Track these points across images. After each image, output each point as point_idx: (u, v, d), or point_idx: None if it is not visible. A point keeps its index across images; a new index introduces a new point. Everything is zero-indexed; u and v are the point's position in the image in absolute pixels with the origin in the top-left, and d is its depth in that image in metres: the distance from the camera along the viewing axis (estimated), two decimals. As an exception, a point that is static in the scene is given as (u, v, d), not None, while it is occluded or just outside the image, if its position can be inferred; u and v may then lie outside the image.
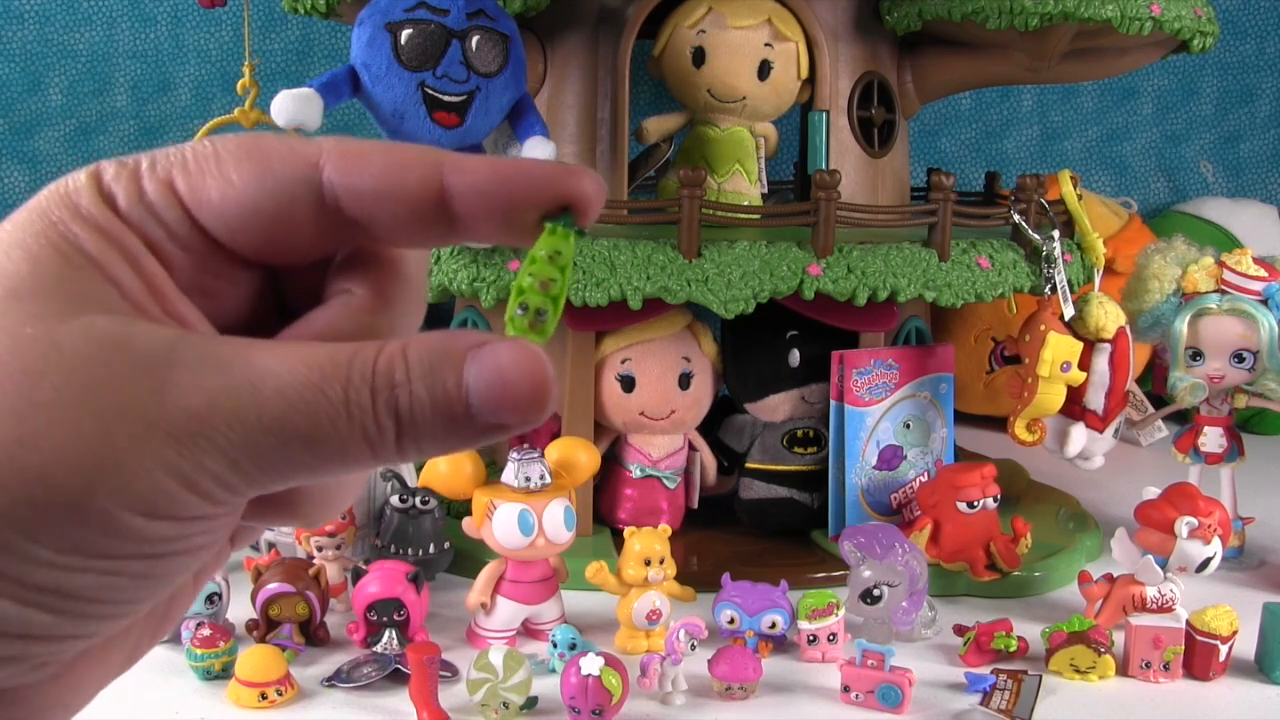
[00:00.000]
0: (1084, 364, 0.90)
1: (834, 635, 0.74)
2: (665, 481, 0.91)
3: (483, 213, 0.22)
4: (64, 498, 0.19)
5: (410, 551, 0.81)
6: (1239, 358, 0.94)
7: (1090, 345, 0.90)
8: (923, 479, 0.92)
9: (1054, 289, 0.89)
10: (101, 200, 0.21)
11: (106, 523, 0.19)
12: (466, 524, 0.76)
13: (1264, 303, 0.93)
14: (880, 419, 0.90)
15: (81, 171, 0.21)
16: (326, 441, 0.20)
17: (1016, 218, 0.90)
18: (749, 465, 0.93)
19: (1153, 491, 0.81)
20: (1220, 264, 0.95)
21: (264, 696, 0.67)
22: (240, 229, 0.22)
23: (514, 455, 0.76)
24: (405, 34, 0.74)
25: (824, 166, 0.92)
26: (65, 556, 0.19)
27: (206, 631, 0.70)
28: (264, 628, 0.75)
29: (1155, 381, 1.02)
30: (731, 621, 0.75)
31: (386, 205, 0.22)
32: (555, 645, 0.72)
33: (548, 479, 0.76)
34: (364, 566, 0.76)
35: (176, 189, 0.21)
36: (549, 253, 0.21)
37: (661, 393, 0.88)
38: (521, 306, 0.21)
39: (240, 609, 0.77)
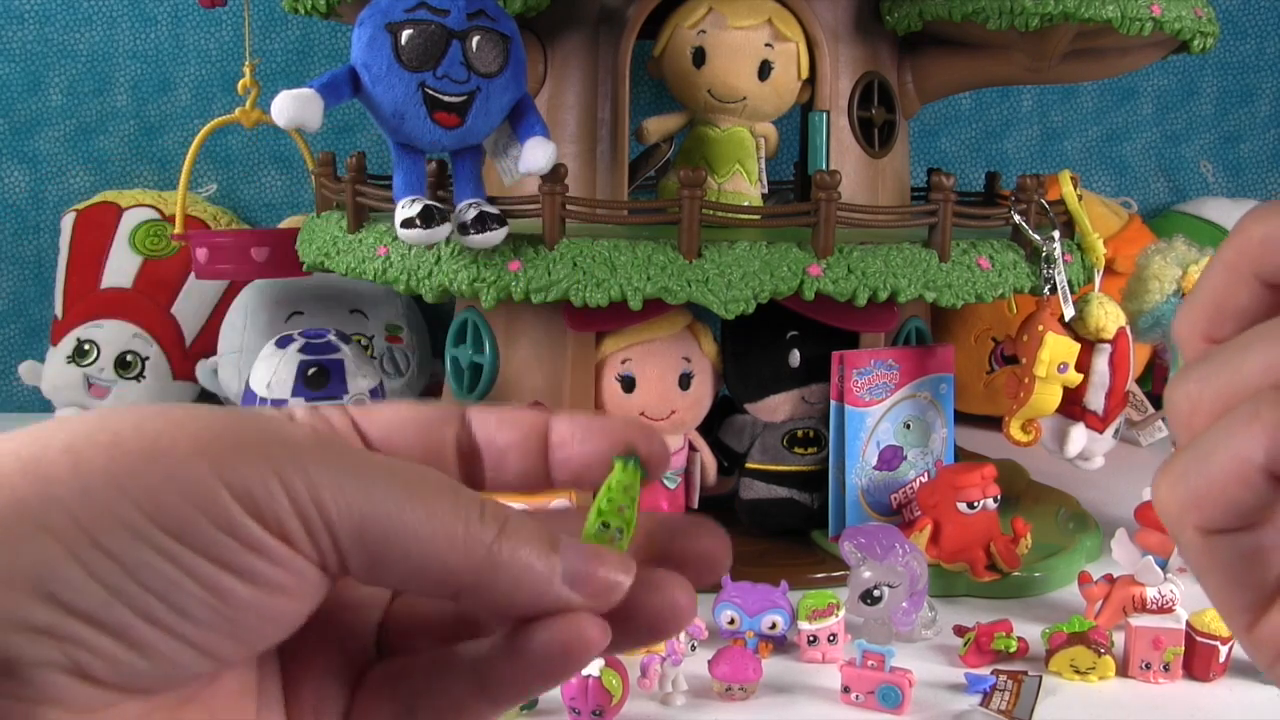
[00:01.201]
0: (1083, 365, 0.90)
1: (834, 636, 0.74)
2: (665, 482, 0.91)
3: (578, 454, 0.26)
4: (173, 458, 0.21)
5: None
6: (1239, 358, 0.94)
7: (1090, 346, 0.90)
8: (923, 479, 0.92)
9: (1054, 289, 0.89)
10: (284, 413, 0.25)
11: (206, 500, 0.21)
12: (467, 524, 0.76)
13: (1264, 303, 0.93)
14: (880, 419, 0.90)
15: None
16: (426, 508, 0.23)
17: (1017, 218, 0.90)
18: (749, 465, 0.93)
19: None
20: (1220, 264, 0.95)
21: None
22: (395, 436, 0.26)
23: (514, 456, 0.76)
24: (405, 34, 0.74)
25: (824, 167, 0.92)
26: (152, 528, 0.20)
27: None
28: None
29: (1155, 382, 1.02)
30: (731, 622, 0.75)
31: (507, 435, 0.27)
32: (555, 646, 0.72)
33: (548, 479, 0.76)
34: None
35: (348, 409, 0.26)
36: (624, 485, 0.26)
37: (661, 393, 0.88)
38: (604, 524, 0.25)
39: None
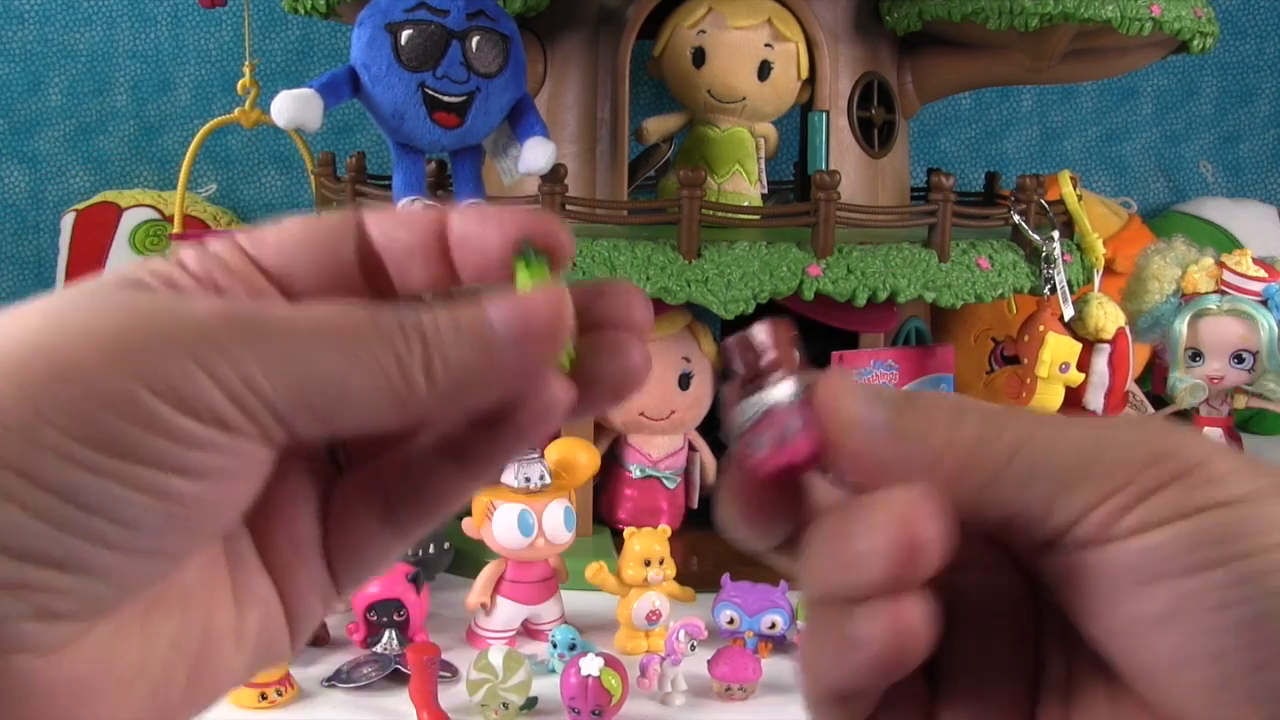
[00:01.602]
0: (1083, 365, 0.90)
1: (834, 636, 0.74)
2: (665, 482, 0.91)
3: (478, 250, 0.24)
4: (85, 372, 0.20)
5: (410, 551, 0.81)
6: (1239, 358, 0.94)
7: (1090, 346, 0.91)
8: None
9: (1054, 289, 0.89)
10: (174, 263, 0.23)
11: (129, 406, 0.20)
12: (466, 524, 0.76)
13: (1264, 303, 0.93)
14: (880, 419, 0.90)
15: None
16: (355, 358, 0.21)
17: (1016, 218, 0.90)
18: (749, 465, 0.93)
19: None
20: (1220, 265, 0.95)
21: (264, 696, 0.67)
22: (293, 262, 0.24)
23: (514, 456, 0.76)
24: (405, 34, 0.74)
25: (824, 167, 0.92)
26: (82, 448, 0.19)
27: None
28: (264, 628, 0.75)
29: (1155, 382, 1.02)
30: (731, 622, 0.75)
31: (402, 239, 0.25)
32: (555, 646, 0.72)
33: (547, 479, 0.76)
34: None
35: (238, 241, 0.24)
36: (535, 285, 0.24)
37: (661, 393, 0.88)
38: None
39: (240, 609, 0.77)
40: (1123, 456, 0.22)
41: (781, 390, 0.24)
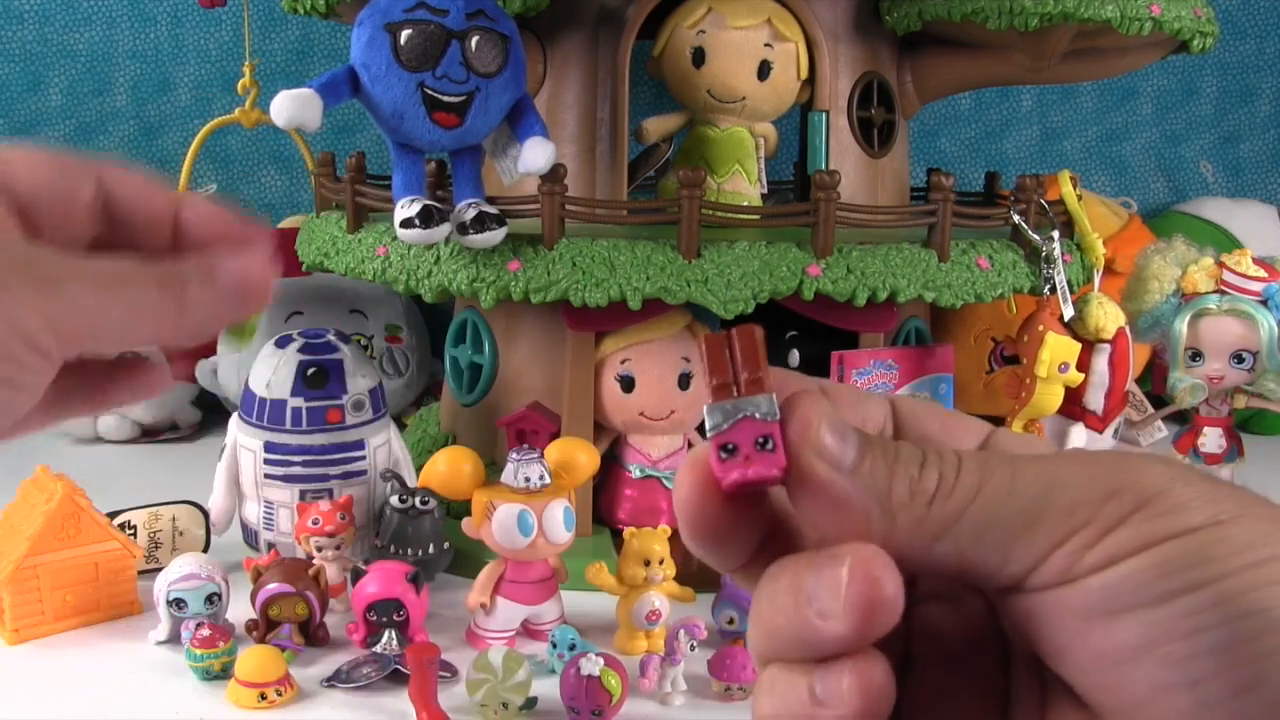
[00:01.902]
0: (1083, 365, 0.90)
1: (833, 636, 0.74)
2: (665, 482, 0.91)
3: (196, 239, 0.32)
4: None
5: (410, 552, 0.81)
6: (1238, 358, 0.94)
7: (1090, 346, 0.90)
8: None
9: (1053, 289, 0.89)
10: None
11: None
12: (466, 524, 0.76)
13: (1264, 303, 0.93)
14: (880, 419, 0.90)
15: None
16: (134, 304, 0.28)
17: (1016, 218, 0.90)
18: (749, 465, 0.93)
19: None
20: (1220, 264, 0.95)
21: (264, 697, 0.67)
22: (36, 198, 0.30)
23: (513, 456, 0.76)
24: (405, 34, 0.74)
25: (824, 167, 0.92)
26: None
27: (206, 632, 0.70)
28: (264, 628, 0.75)
29: (1155, 382, 1.02)
30: (731, 622, 0.75)
31: (143, 211, 0.32)
32: (555, 646, 0.72)
33: (547, 479, 0.76)
34: (363, 567, 0.76)
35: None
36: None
37: (661, 393, 0.88)
38: None
39: (240, 609, 0.77)
40: (1078, 496, 0.22)
41: (758, 403, 0.24)
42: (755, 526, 0.25)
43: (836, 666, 0.22)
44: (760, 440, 0.23)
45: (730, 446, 0.23)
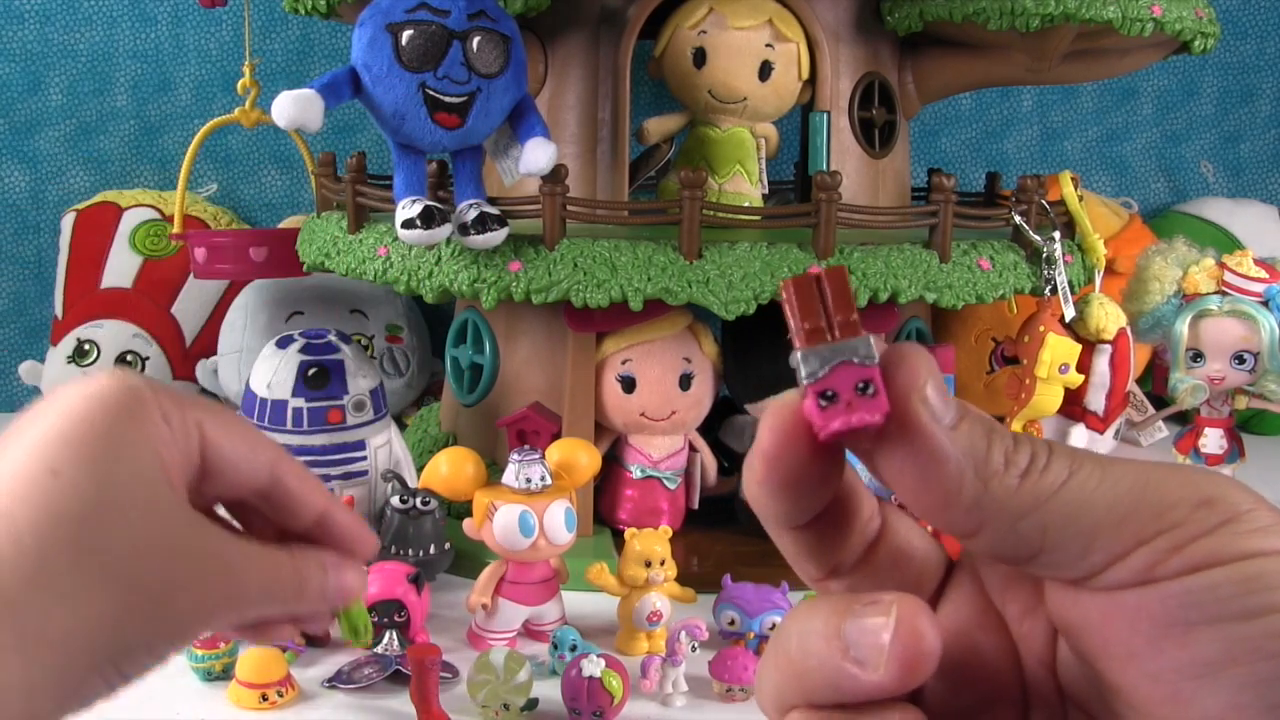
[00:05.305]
0: (1083, 365, 0.90)
1: (834, 636, 0.74)
2: (666, 482, 0.91)
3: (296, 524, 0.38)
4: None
5: (411, 552, 0.81)
6: (1239, 359, 0.94)
7: (1091, 346, 0.90)
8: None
9: (1054, 290, 0.89)
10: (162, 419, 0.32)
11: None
12: (467, 525, 0.76)
13: (1265, 304, 0.93)
14: (881, 420, 0.90)
15: (140, 385, 0.32)
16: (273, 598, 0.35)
17: (1017, 219, 0.90)
18: (749, 466, 0.93)
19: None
20: (1221, 265, 0.95)
21: (265, 698, 0.67)
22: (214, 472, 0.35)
23: (515, 457, 0.76)
24: (406, 35, 0.74)
25: (825, 167, 0.92)
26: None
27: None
28: (264, 629, 0.75)
29: (1156, 382, 1.02)
30: (732, 623, 0.75)
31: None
32: (556, 646, 0.72)
33: (548, 480, 0.76)
34: (365, 567, 0.75)
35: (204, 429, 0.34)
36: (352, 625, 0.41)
37: (662, 393, 0.88)
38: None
39: (241, 610, 0.77)
40: (1170, 498, 0.21)
41: (855, 347, 0.22)
42: (833, 481, 0.24)
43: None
44: (861, 385, 0.22)
45: (830, 393, 0.22)
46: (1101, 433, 0.92)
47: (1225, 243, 1.29)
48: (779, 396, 0.24)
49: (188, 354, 1.25)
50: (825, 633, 0.22)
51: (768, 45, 0.89)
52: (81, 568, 0.28)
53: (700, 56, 0.89)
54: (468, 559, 0.85)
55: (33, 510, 0.28)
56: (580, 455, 0.79)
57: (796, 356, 0.22)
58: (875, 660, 0.21)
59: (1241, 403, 0.97)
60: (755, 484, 0.24)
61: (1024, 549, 0.22)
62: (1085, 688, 0.24)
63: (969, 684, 0.25)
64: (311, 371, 0.85)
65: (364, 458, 0.86)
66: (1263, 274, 0.94)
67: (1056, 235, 0.89)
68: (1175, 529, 0.21)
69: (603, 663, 0.64)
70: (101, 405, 0.30)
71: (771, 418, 0.23)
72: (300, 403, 0.84)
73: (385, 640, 0.72)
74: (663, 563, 0.75)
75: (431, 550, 0.81)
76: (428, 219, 0.77)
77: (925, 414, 0.22)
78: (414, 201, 0.78)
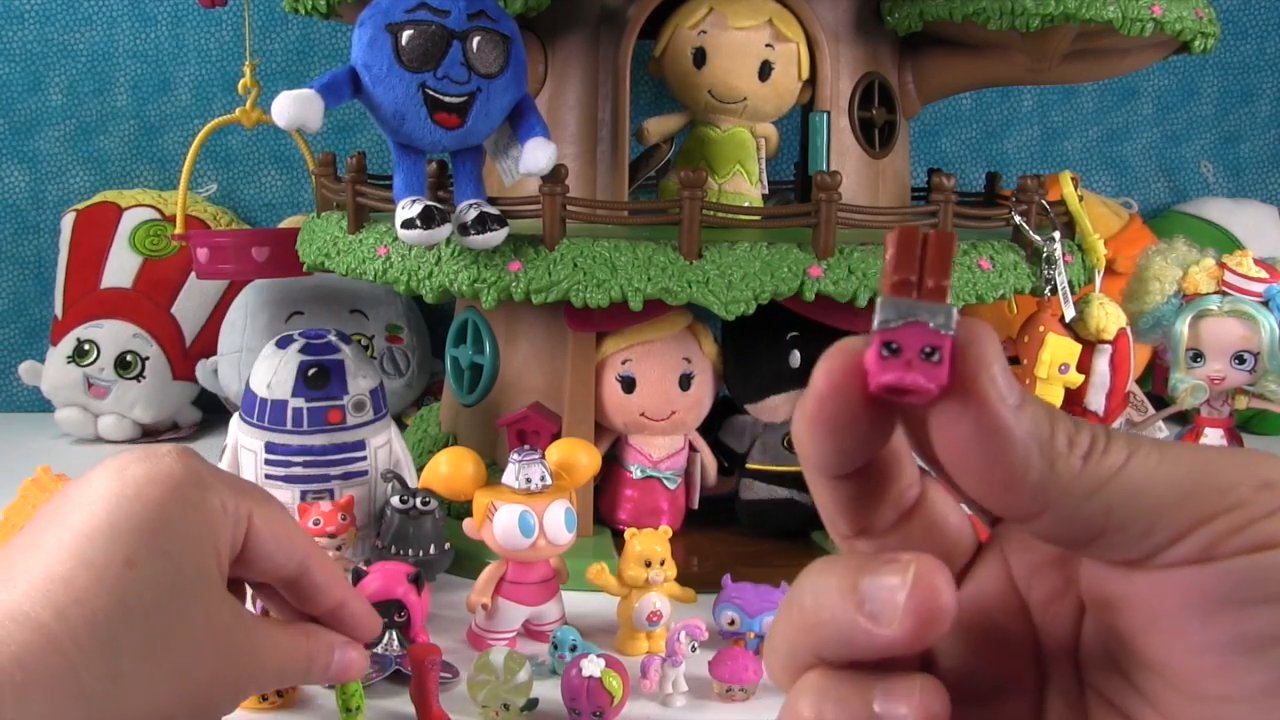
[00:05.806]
0: (1084, 365, 0.90)
1: (834, 637, 0.74)
2: (666, 482, 0.91)
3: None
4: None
5: (411, 552, 0.81)
6: (1240, 359, 0.94)
7: (1091, 346, 0.90)
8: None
9: (1055, 290, 0.89)
10: (220, 507, 0.37)
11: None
12: (467, 525, 0.76)
13: (1265, 304, 0.93)
14: (881, 420, 0.90)
15: (204, 471, 0.37)
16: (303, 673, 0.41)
17: (1017, 219, 0.90)
18: (749, 466, 0.93)
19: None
20: (1221, 265, 0.95)
21: (264, 698, 0.67)
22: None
23: (514, 457, 0.76)
24: (406, 35, 0.74)
25: (825, 167, 0.92)
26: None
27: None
28: (264, 629, 0.75)
29: (1156, 382, 1.02)
30: (732, 623, 0.75)
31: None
32: (556, 647, 0.72)
33: (548, 480, 0.76)
34: (364, 567, 0.75)
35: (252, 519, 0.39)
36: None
37: (662, 393, 0.88)
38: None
39: (241, 610, 0.77)
40: (1233, 478, 0.22)
41: (935, 312, 0.22)
42: (881, 438, 0.24)
43: (899, 687, 0.22)
44: (927, 350, 0.22)
45: (894, 346, 0.22)
46: (1101, 433, 0.92)
47: (1225, 243, 1.29)
48: (846, 339, 0.24)
49: (188, 354, 1.25)
50: (841, 587, 0.22)
51: (768, 45, 0.89)
52: (150, 660, 0.32)
53: (700, 56, 0.89)
54: (468, 559, 0.85)
55: (111, 602, 0.31)
56: (580, 455, 0.79)
57: (877, 304, 0.22)
58: (889, 615, 0.22)
59: (1241, 403, 0.97)
60: (803, 421, 0.23)
61: (1087, 530, 0.22)
62: (1108, 672, 0.24)
63: (986, 666, 0.25)
64: (311, 371, 0.85)
65: (364, 458, 0.86)
66: (1263, 274, 0.94)
67: (1056, 235, 0.89)
68: (1236, 509, 0.21)
69: (603, 663, 0.64)
70: (172, 493, 0.34)
71: (830, 358, 0.23)
72: (300, 403, 0.84)
73: (385, 640, 0.72)
74: (663, 563, 0.75)
75: (431, 550, 0.81)
76: (428, 219, 0.77)
77: (994, 392, 0.22)
78: (414, 201, 0.78)
